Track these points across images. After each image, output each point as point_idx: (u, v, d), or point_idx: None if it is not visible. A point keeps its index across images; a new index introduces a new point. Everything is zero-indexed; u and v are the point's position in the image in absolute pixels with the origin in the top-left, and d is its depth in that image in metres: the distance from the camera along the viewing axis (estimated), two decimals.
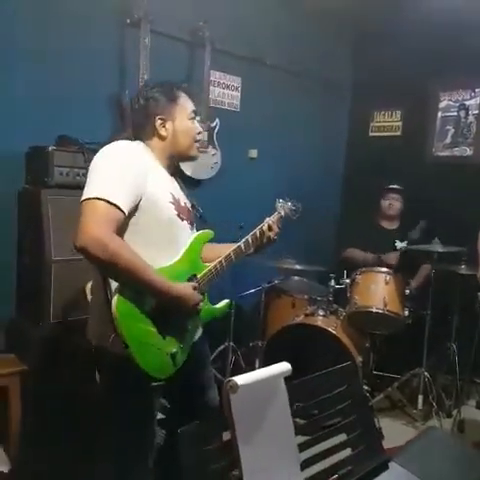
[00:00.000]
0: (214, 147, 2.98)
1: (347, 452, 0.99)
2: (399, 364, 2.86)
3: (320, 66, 3.57)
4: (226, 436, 0.84)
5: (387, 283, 2.70)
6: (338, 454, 0.98)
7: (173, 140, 1.48)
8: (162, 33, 2.69)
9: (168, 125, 1.47)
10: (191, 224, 1.55)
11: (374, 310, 2.65)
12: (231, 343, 2.90)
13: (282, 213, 1.75)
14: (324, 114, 3.77)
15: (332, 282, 2.87)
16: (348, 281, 2.83)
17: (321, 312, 2.78)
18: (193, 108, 1.52)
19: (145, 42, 2.50)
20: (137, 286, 1.28)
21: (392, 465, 1.03)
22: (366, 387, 2.63)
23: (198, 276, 1.49)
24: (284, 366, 0.92)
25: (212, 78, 3.02)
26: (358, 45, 3.79)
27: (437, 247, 2.62)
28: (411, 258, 2.98)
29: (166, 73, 2.26)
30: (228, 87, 3.18)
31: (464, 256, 2.69)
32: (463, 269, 2.67)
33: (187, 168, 2.79)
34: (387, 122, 3.77)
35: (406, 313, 2.65)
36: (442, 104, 3.43)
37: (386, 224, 3.30)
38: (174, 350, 1.40)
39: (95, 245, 1.19)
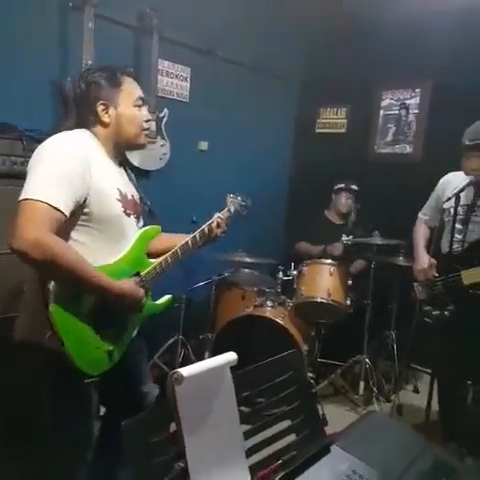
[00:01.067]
0: (163, 138, 2.94)
1: (291, 438, 1.03)
2: (342, 352, 2.97)
3: (270, 61, 3.61)
4: (172, 428, 0.85)
5: (331, 274, 2.80)
6: (282, 440, 1.01)
7: (117, 127, 1.43)
8: (107, 18, 2.60)
9: (111, 111, 1.42)
10: (138, 218, 1.53)
11: (319, 300, 2.74)
12: (180, 336, 2.90)
13: (232, 209, 1.75)
14: (273, 109, 3.81)
15: (280, 274, 2.94)
16: (295, 273, 2.90)
17: (269, 303, 2.84)
18: (140, 95, 1.47)
19: (89, 26, 2.40)
20: (76, 285, 1.26)
21: (334, 449, 1.07)
22: (311, 374, 2.72)
23: (142, 274, 1.47)
24: (230, 356, 0.94)
25: (160, 67, 2.96)
26: (308, 43, 3.86)
27: (377, 240, 2.75)
28: (353, 251, 3.10)
29: (111, 60, 2.17)
30: (177, 77, 3.13)
31: (402, 248, 2.83)
32: (401, 261, 2.82)
33: (134, 158, 2.73)
34: (333, 119, 3.87)
35: (348, 303, 2.76)
36: (384, 102, 3.56)
37: (335, 219, 3.43)
38: (111, 348, 1.38)
39: (34, 248, 1.16)
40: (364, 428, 1.23)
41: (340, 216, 3.42)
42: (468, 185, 2.11)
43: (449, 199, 2.18)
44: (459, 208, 2.14)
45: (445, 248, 2.22)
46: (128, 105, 1.44)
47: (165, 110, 2.92)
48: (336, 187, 3.40)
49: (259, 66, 3.55)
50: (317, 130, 3.96)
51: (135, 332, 1.54)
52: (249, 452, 0.93)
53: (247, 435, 0.94)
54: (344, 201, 3.36)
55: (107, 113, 1.42)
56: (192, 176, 3.22)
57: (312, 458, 1.01)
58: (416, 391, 3.07)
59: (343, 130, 3.79)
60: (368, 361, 2.82)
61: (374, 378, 2.82)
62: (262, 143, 3.72)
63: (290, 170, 4.14)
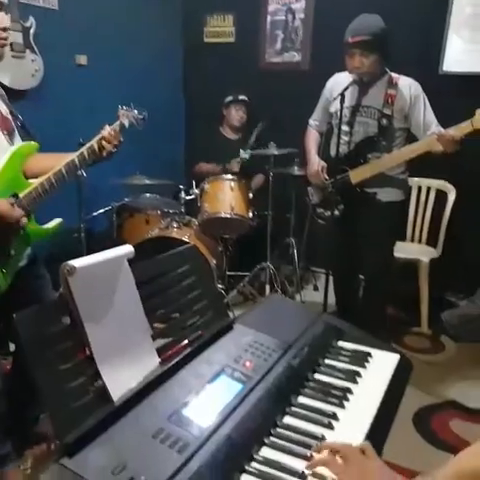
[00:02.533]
0: (33, 52, 2.63)
1: (196, 320, 1.09)
2: (248, 263, 3.13)
3: None
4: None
5: (233, 189, 2.86)
6: (189, 324, 1.07)
7: None
8: None
9: None
10: (10, 135, 1.40)
11: (223, 215, 2.80)
12: None
13: (126, 123, 1.64)
14: (157, 17, 3.56)
15: (182, 194, 2.93)
16: (197, 191, 2.91)
17: (175, 224, 2.84)
18: None
19: None
20: None
21: (236, 326, 1.16)
22: (221, 286, 2.85)
23: (20, 195, 1.38)
24: (126, 248, 0.95)
25: None
26: None
27: (273, 150, 2.83)
28: (252, 165, 3.17)
29: None
30: None
31: (296, 158, 2.95)
32: (296, 170, 2.95)
33: (4, 78, 2.43)
34: (220, 27, 3.72)
35: (251, 215, 2.86)
36: (271, 7, 3.46)
37: (229, 134, 3.43)
38: None
39: None
40: (264, 308, 1.35)
41: (234, 130, 3.41)
42: (351, 84, 2.19)
43: (334, 100, 2.27)
44: (345, 110, 2.23)
45: (333, 151, 2.35)
46: None
47: (31, 19, 2.60)
48: (226, 101, 3.36)
49: None
50: (205, 39, 3.79)
51: (25, 258, 1.47)
52: (155, 335, 0.97)
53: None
54: (234, 113, 3.34)
55: None
56: (73, 94, 2.96)
57: (216, 335, 1.10)
58: (316, 289, 3.37)
59: (232, 39, 3.67)
60: (272, 267, 3.01)
61: (278, 281, 3.04)
62: (150, 56, 3.49)
63: (183, 84, 3.97)
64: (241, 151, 3.19)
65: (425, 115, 2.25)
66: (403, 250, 2.77)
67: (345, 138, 2.35)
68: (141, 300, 0.95)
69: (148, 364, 0.93)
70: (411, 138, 2.31)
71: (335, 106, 2.33)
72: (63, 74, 2.89)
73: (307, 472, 0.79)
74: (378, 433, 0.91)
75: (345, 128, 2.32)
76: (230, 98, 3.33)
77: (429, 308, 2.82)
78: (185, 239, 2.72)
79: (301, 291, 3.15)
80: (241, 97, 3.32)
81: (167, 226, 2.85)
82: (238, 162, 3.16)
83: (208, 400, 0.88)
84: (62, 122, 2.75)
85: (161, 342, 0.98)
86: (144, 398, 0.85)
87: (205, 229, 2.88)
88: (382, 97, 2.26)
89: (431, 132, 2.20)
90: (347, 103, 2.24)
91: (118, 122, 1.60)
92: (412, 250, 2.91)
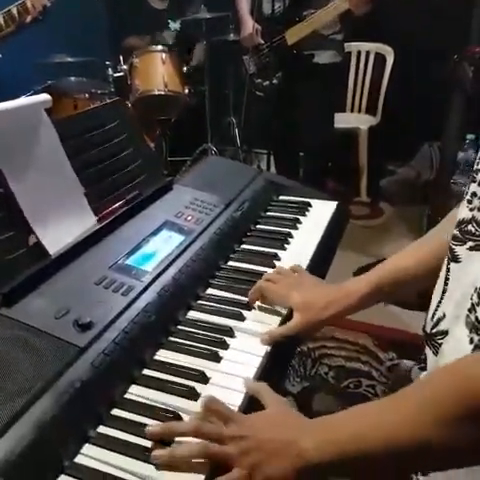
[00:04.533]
0: None
1: (132, 180, 1.04)
2: (189, 146, 3.03)
3: None
4: None
5: (164, 63, 2.64)
6: (124, 183, 1.02)
7: None
8: None
9: None
10: None
11: (156, 92, 2.62)
12: None
13: None
14: None
15: (110, 71, 2.68)
16: (126, 67, 2.67)
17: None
18: None
19: None
20: None
21: (176, 187, 1.13)
22: (163, 172, 2.76)
23: None
24: (42, 96, 0.85)
25: None
26: None
27: (205, 14, 2.58)
28: (186, 35, 2.91)
29: None
30: None
31: (231, 24, 2.72)
32: (232, 36, 2.74)
33: None
34: None
35: (186, 91, 2.69)
36: None
37: (156, 4, 3.08)
38: None
39: None
40: (202, 168, 1.32)
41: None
42: None
43: None
44: None
45: (267, 10, 2.18)
46: None
47: None
48: None
49: None
50: None
51: None
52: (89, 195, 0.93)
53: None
54: None
55: None
56: None
57: (155, 195, 1.07)
58: (258, 166, 3.37)
59: None
60: (214, 148, 2.93)
61: None
62: None
63: None
64: (171, 22, 2.91)
65: None
66: (342, 120, 2.75)
67: None
68: (68, 157, 0.88)
69: (84, 222, 0.89)
70: None
71: None
72: None
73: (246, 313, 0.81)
74: (320, 265, 0.97)
75: None
76: None
77: (369, 177, 2.91)
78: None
79: None
80: None
81: None
82: (172, 34, 2.88)
83: (150, 250, 0.88)
84: None
85: (96, 203, 0.94)
86: (84, 252, 0.83)
87: (139, 110, 2.69)
88: None
89: None
90: None
91: None
92: (351, 119, 2.91)
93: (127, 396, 0.66)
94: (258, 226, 1.10)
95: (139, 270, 0.81)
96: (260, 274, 0.90)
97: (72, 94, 2.81)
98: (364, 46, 2.88)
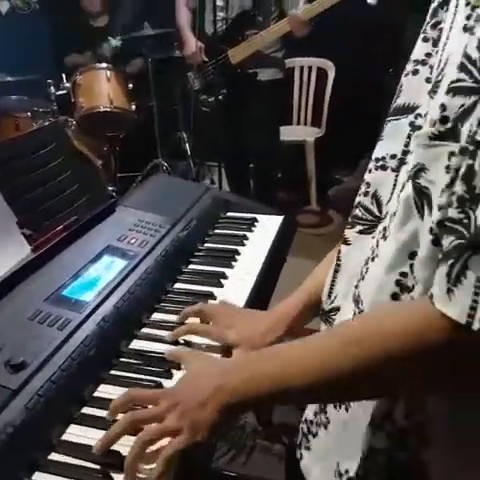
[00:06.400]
0: None
1: (70, 205, 1.00)
2: (140, 161, 2.98)
3: None
4: None
5: (109, 80, 2.60)
6: (62, 209, 0.98)
7: None
8: None
9: None
10: None
11: (102, 109, 2.57)
12: None
13: None
14: None
15: (52, 89, 2.60)
16: (69, 85, 2.61)
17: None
18: None
19: None
20: None
21: (119, 208, 1.10)
22: (112, 188, 2.69)
23: None
24: None
25: None
26: None
27: (148, 31, 2.57)
28: (127, 50, 2.89)
29: None
30: None
31: (176, 41, 2.72)
32: (177, 53, 2.74)
33: None
34: None
35: (133, 108, 2.66)
36: None
37: (97, 21, 3.05)
38: None
39: None
40: (148, 188, 1.29)
41: (98, 16, 3.03)
42: None
43: None
44: None
45: (210, 29, 2.20)
46: None
47: None
48: None
49: None
50: None
51: None
52: (23, 224, 0.88)
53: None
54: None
55: None
56: None
57: (96, 219, 1.03)
58: (213, 183, 3.36)
59: None
60: (165, 164, 2.90)
61: None
62: None
63: None
64: (110, 38, 2.88)
65: None
66: (289, 133, 2.82)
67: (221, 14, 2.21)
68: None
69: (17, 253, 0.84)
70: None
71: None
72: None
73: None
74: (268, 279, 0.96)
75: (220, 3, 2.18)
76: None
77: (317, 187, 2.97)
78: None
79: None
80: None
81: None
82: (110, 49, 2.85)
83: (90, 279, 0.84)
84: None
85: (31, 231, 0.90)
86: (16, 285, 0.78)
87: (84, 127, 2.63)
88: None
89: (299, 7, 2.14)
90: None
91: None
92: (298, 132, 2.98)
93: (65, 438, 0.62)
94: (206, 244, 1.09)
95: (77, 301, 0.77)
96: (208, 295, 0.88)
97: (13, 113, 2.71)
98: (306, 61, 2.96)
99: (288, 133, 2.76)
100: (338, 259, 0.65)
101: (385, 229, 0.55)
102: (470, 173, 0.42)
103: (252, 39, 2.19)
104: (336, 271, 0.66)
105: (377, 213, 0.59)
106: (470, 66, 0.43)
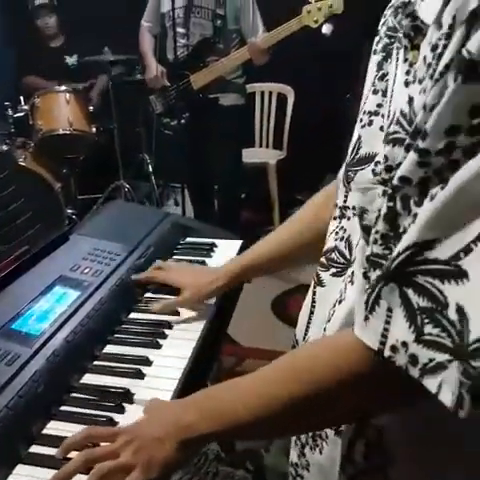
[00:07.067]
0: None
1: (21, 235, 0.98)
2: (102, 184, 2.95)
3: None
4: None
5: (68, 102, 2.58)
6: (11, 239, 0.96)
7: None
8: None
9: None
10: None
11: (61, 132, 2.54)
12: None
13: None
14: None
15: (9, 112, 2.56)
16: (27, 107, 2.57)
17: (5, 148, 2.49)
18: None
19: None
20: None
21: (72, 237, 1.08)
22: (72, 211, 2.65)
23: None
24: None
25: None
26: None
27: (109, 57, 2.58)
28: (85, 71, 2.90)
29: None
30: None
31: (138, 65, 2.74)
32: (138, 76, 2.76)
33: None
34: None
35: (94, 130, 2.64)
36: None
37: (52, 42, 3.05)
38: None
39: None
40: (104, 215, 1.28)
41: (54, 38, 3.05)
42: None
43: None
44: (177, 10, 2.11)
45: (171, 55, 2.23)
46: None
47: None
48: (33, 5, 2.91)
49: None
50: None
51: None
52: None
53: None
54: (41, 20, 2.96)
55: None
56: None
57: (49, 247, 1.01)
58: (177, 204, 3.36)
59: None
60: (127, 185, 2.88)
61: (136, 200, 2.94)
62: None
63: None
64: (67, 58, 2.89)
65: (254, 18, 2.24)
66: (252, 155, 2.87)
67: (182, 41, 2.25)
68: None
69: None
70: None
71: (167, 6, 2.18)
72: None
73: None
74: (227, 301, 0.98)
75: (181, 30, 2.22)
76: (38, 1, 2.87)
77: (280, 207, 3.02)
78: (20, 163, 2.41)
79: (162, 208, 3.11)
80: (41, 1, 2.88)
81: None
82: (71, 67, 2.86)
83: (40, 311, 0.82)
84: None
85: None
86: None
87: (43, 150, 2.58)
88: None
89: (258, 36, 2.21)
90: (179, 3, 2.11)
91: None
92: (260, 154, 3.03)
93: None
94: None
95: (26, 335, 0.75)
96: (164, 324, 0.88)
97: None
98: (267, 87, 3.04)
99: (251, 155, 2.80)
100: (313, 301, 0.66)
101: (353, 273, 0.56)
102: (390, 214, 0.45)
103: (213, 65, 2.23)
104: (311, 312, 0.66)
105: (348, 256, 0.61)
106: (401, 119, 0.47)
